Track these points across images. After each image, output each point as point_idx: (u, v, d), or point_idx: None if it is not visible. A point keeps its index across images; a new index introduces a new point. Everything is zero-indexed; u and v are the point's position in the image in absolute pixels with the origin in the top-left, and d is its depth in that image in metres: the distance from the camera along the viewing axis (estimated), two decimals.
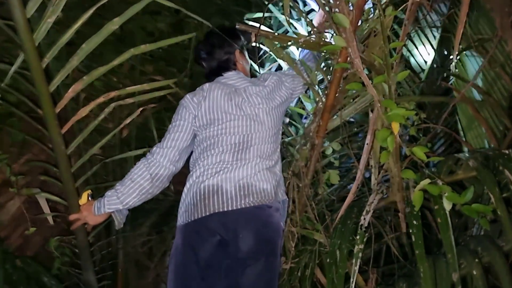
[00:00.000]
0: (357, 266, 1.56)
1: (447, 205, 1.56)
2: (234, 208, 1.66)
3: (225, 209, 1.66)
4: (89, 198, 1.88)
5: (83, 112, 1.82)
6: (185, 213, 1.74)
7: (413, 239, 1.55)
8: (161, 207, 2.79)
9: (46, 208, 2.07)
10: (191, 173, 1.81)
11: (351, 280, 1.54)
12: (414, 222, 1.58)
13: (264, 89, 1.86)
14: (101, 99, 1.83)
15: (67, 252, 2.26)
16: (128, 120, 2.00)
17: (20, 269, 1.99)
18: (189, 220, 1.70)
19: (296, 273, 2.02)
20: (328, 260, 1.74)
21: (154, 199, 1.94)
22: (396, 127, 1.49)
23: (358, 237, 1.63)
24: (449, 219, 1.53)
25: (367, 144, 1.69)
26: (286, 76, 1.94)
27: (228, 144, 1.77)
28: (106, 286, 2.41)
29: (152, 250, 2.84)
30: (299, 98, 2.20)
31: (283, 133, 2.13)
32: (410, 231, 1.57)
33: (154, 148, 1.82)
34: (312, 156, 2.02)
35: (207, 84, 1.89)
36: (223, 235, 1.67)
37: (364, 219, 1.68)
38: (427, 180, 1.57)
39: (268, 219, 1.71)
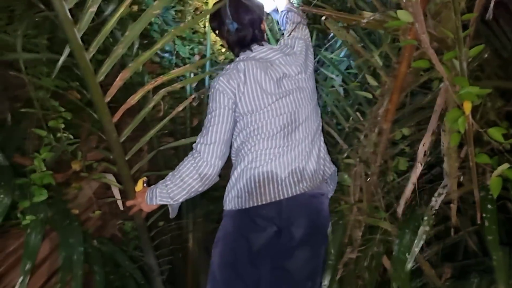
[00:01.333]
0: (418, 247, 1.49)
1: None
2: (289, 195, 1.63)
3: (280, 198, 1.62)
4: (144, 185, 1.92)
5: (133, 100, 1.82)
6: (238, 199, 1.68)
7: (486, 223, 1.42)
8: None
9: (117, 194, 2.17)
10: (238, 158, 1.74)
11: (408, 261, 1.46)
12: (489, 206, 1.46)
13: (298, 57, 1.80)
14: (149, 86, 1.83)
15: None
16: (181, 107, 1.98)
17: (97, 248, 2.11)
18: (243, 207, 1.65)
19: (363, 263, 1.95)
20: (395, 249, 1.67)
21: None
22: (468, 106, 1.36)
23: (425, 218, 1.53)
24: None
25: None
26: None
27: (276, 126, 1.70)
28: (168, 270, 2.47)
29: None
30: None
31: (347, 119, 2.07)
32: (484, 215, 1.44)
33: (199, 145, 1.72)
34: (381, 142, 1.92)
35: (241, 64, 1.73)
36: (278, 224, 1.64)
37: (436, 201, 1.57)
38: (506, 165, 1.43)
39: (320, 207, 1.71)
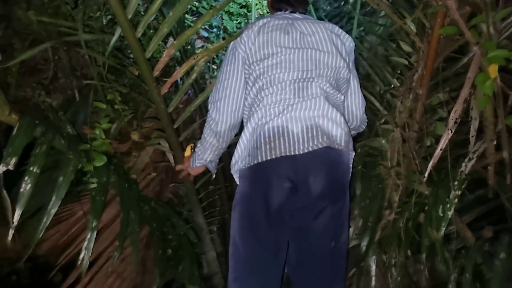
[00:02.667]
0: (451, 212, 1.54)
1: None
2: (303, 151, 1.53)
3: (294, 153, 1.53)
4: (192, 150, 2.10)
5: (177, 74, 1.96)
6: (249, 157, 1.61)
7: None
8: None
9: (171, 159, 2.37)
10: (249, 116, 1.67)
11: (442, 224, 1.53)
12: None
13: (326, 25, 1.73)
14: (192, 61, 1.95)
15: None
16: None
17: (154, 210, 2.34)
18: (252, 164, 1.58)
19: (400, 224, 2.03)
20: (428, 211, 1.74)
21: None
22: (494, 69, 1.39)
23: (456, 183, 1.59)
24: None
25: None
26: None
27: (286, 80, 1.61)
28: (217, 229, 2.68)
29: None
30: None
31: (384, 84, 2.10)
32: None
33: (209, 105, 1.77)
34: (417, 107, 1.96)
35: (263, 19, 1.72)
36: (293, 180, 1.54)
37: (466, 166, 1.62)
38: None
39: (339, 159, 1.60)
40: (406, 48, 1.91)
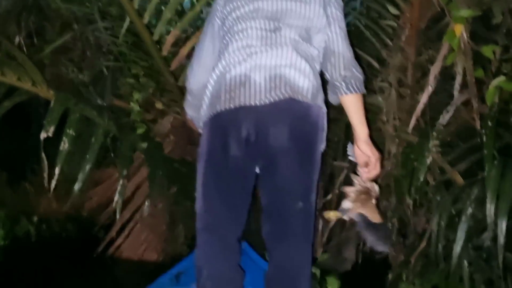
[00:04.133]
0: (429, 159, 1.74)
1: None
2: (264, 101, 1.43)
3: (254, 103, 1.44)
4: None
5: (183, 52, 2.23)
6: (210, 106, 1.53)
7: (484, 139, 1.63)
8: None
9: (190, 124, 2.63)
10: (215, 66, 1.58)
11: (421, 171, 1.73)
12: (489, 123, 1.65)
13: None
14: (194, 40, 2.18)
15: None
16: None
17: (178, 170, 2.63)
18: (212, 114, 1.50)
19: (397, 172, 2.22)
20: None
21: None
22: (458, 28, 1.55)
23: (434, 133, 1.77)
24: None
25: None
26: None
27: (253, 27, 1.54)
28: None
29: None
30: None
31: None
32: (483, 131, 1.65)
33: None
34: (408, 65, 2.12)
35: None
36: (253, 132, 1.45)
37: (444, 118, 1.80)
38: (502, 77, 1.60)
39: (305, 113, 1.48)
40: (394, 11, 2.05)
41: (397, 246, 2.43)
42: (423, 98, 1.82)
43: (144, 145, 2.38)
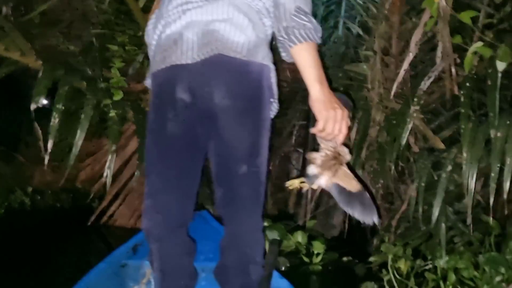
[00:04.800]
0: (410, 124, 1.80)
1: (500, 66, 1.62)
2: (196, 59, 1.35)
3: (186, 61, 1.36)
4: None
5: None
6: (149, 69, 1.48)
7: (462, 99, 1.68)
8: (280, 94, 3.20)
9: None
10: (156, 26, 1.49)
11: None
12: (467, 84, 1.70)
13: None
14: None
15: None
16: None
17: None
18: (151, 77, 1.46)
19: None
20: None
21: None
22: None
23: (415, 99, 1.82)
24: (498, 81, 1.61)
25: None
26: None
27: None
28: None
29: (280, 130, 3.32)
30: None
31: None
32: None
33: None
34: (392, 34, 2.15)
35: None
36: (188, 92, 1.38)
37: (425, 83, 1.84)
38: (480, 43, 1.64)
39: (243, 70, 1.38)
40: None
41: (383, 211, 2.51)
42: (404, 65, 1.85)
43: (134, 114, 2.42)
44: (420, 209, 1.97)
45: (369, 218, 1.36)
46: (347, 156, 1.36)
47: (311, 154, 1.40)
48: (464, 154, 1.67)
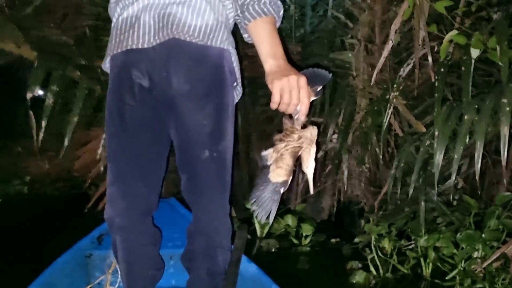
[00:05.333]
0: (390, 108, 1.89)
1: (474, 53, 1.71)
2: (152, 43, 1.31)
3: (142, 46, 1.31)
4: None
5: None
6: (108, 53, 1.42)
7: (436, 84, 1.76)
8: None
9: None
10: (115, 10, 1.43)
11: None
12: (442, 70, 1.78)
13: None
14: None
15: None
16: None
17: None
18: (107, 60, 1.43)
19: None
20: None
21: None
22: None
23: (395, 85, 1.91)
24: (472, 67, 1.69)
25: None
26: None
27: None
28: None
29: (271, 117, 3.39)
30: None
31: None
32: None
33: None
34: (375, 22, 2.23)
35: None
36: (146, 77, 1.34)
37: (404, 70, 1.93)
38: (454, 31, 1.72)
39: (201, 53, 1.33)
40: None
41: (368, 195, 2.61)
42: (385, 53, 1.93)
43: None
44: (399, 190, 2.06)
45: (263, 214, 1.23)
46: (308, 136, 1.20)
47: (275, 135, 1.28)
48: (436, 133, 1.76)
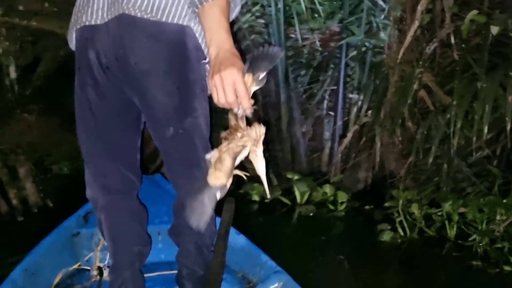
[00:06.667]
0: (415, 84, 2.07)
1: (494, 30, 1.86)
2: (105, 19, 1.26)
3: (96, 22, 1.27)
4: None
5: None
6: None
7: (456, 59, 1.93)
8: (314, 61, 3.48)
9: None
10: None
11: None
12: (463, 46, 1.94)
13: None
14: None
15: None
16: None
17: None
18: (69, 39, 1.38)
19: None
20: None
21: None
22: None
23: (420, 62, 2.09)
24: (488, 41, 1.85)
25: None
26: None
27: None
28: None
29: (311, 94, 3.60)
30: None
31: None
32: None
33: None
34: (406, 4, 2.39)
35: None
36: (102, 56, 1.29)
37: (429, 48, 2.10)
38: (475, 11, 1.88)
39: (157, 30, 1.26)
40: None
41: (400, 165, 2.79)
42: (411, 32, 2.11)
43: None
44: (421, 156, 2.25)
45: (195, 219, 1.08)
46: (253, 135, 1.08)
47: (221, 133, 1.16)
48: (454, 102, 1.94)
